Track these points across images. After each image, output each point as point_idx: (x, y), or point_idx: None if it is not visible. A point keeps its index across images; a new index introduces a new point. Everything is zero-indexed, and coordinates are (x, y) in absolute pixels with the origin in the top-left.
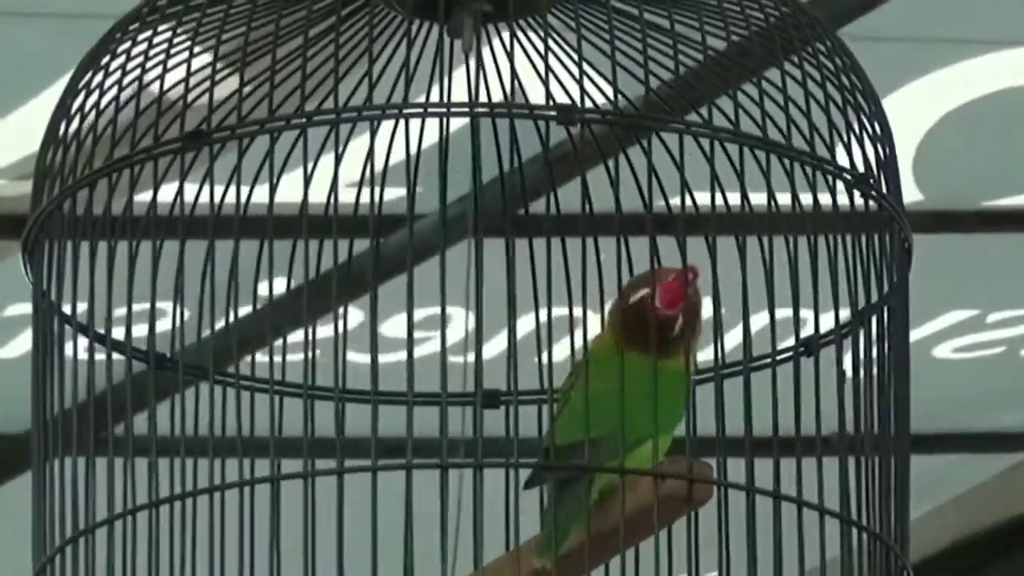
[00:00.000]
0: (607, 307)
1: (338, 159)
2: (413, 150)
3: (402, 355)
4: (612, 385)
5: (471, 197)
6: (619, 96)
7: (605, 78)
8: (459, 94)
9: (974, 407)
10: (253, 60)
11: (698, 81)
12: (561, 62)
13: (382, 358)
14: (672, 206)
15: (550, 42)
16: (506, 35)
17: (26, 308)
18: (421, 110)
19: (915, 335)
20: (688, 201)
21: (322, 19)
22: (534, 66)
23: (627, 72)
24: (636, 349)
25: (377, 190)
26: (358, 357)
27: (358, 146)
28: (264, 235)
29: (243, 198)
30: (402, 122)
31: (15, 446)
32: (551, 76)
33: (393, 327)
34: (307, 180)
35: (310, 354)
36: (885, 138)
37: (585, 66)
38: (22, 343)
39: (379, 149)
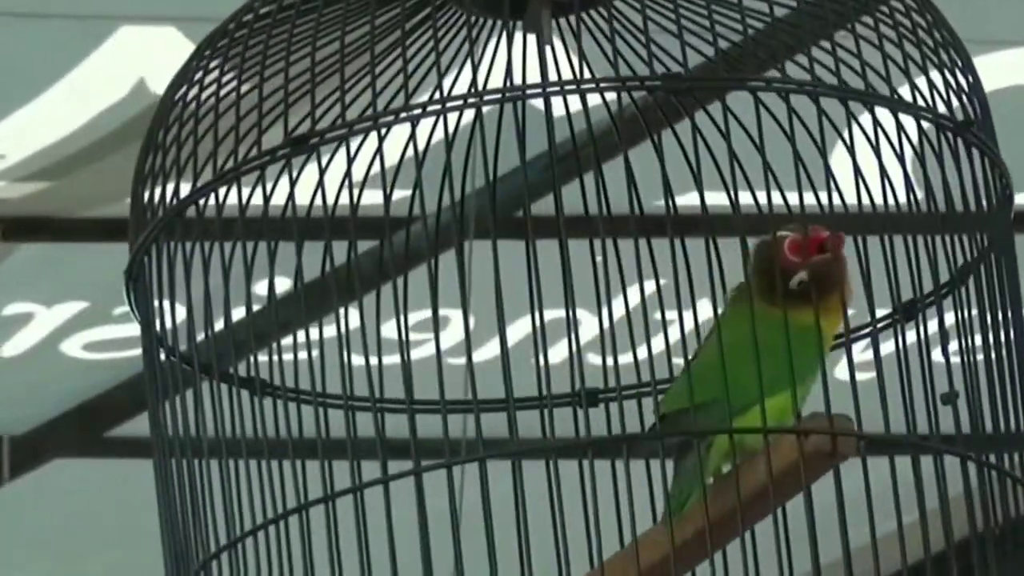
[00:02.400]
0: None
1: (450, 144)
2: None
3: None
4: (734, 342)
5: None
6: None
7: (695, 47)
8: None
9: None
10: (330, 71)
11: (784, 36)
12: (626, 42)
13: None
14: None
15: (616, 24)
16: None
17: (23, 307)
18: (519, 93)
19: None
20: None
21: (409, 18)
22: (602, 49)
23: (705, 41)
24: (764, 299)
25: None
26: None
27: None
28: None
29: (342, 200)
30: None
31: (13, 448)
32: (618, 58)
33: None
34: (418, 180)
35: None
36: (977, 89)
37: (653, 43)
38: (20, 343)
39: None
